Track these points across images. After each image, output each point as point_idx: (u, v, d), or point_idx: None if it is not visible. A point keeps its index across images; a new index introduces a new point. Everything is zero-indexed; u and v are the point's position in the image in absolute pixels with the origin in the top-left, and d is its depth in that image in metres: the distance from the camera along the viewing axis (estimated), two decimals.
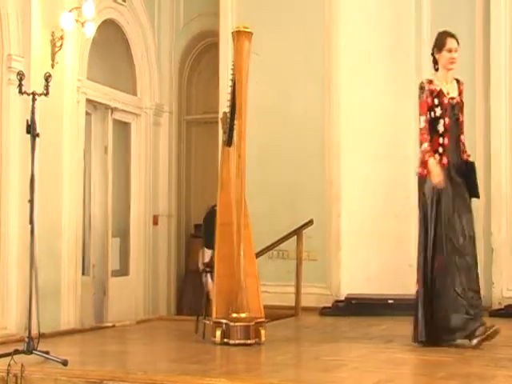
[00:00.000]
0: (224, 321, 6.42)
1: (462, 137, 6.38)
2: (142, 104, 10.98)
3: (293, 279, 8.79)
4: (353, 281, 9.41)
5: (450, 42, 6.37)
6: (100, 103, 10.16)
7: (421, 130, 6.29)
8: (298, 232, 8.82)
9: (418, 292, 6.58)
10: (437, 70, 6.50)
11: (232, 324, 6.37)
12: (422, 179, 6.31)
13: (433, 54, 6.51)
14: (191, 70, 11.79)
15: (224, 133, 7.50)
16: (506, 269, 9.34)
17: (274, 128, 9.68)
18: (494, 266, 9.35)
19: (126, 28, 10.61)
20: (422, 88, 6.33)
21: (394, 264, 9.60)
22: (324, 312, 9.03)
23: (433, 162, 6.15)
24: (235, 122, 6.91)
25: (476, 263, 6.49)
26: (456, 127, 6.34)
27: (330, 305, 9.21)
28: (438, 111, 6.28)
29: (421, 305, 6.43)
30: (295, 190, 9.27)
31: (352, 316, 8.59)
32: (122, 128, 10.89)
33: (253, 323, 6.40)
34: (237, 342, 6.30)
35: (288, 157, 9.17)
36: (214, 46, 10.61)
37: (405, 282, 9.62)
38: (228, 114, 7.18)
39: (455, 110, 6.35)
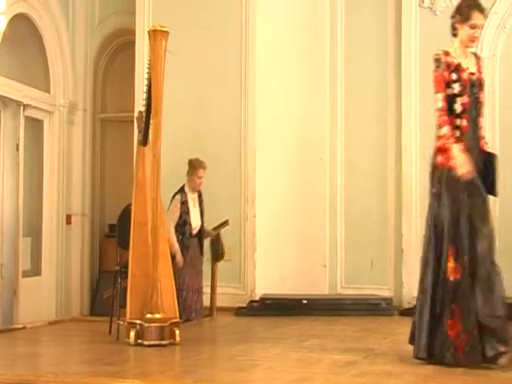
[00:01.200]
0: (138, 321, 6.41)
1: (480, 120, 5.48)
2: (55, 101, 10.82)
3: (208, 279, 8.82)
4: (268, 281, 9.46)
5: (477, 18, 5.44)
6: (11, 99, 9.98)
7: (438, 110, 5.41)
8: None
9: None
10: (454, 35, 5.59)
11: (146, 325, 6.37)
12: (439, 170, 5.41)
13: (453, 18, 5.59)
14: (106, 67, 11.67)
15: (139, 132, 7.48)
16: (415, 269, 9.51)
17: (190, 128, 9.67)
18: (403, 267, 9.55)
19: (39, 23, 10.42)
20: (437, 60, 5.46)
21: (308, 264, 9.71)
22: (239, 312, 9.07)
23: (457, 149, 5.23)
24: (151, 121, 6.90)
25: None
26: (475, 108, 5.42)
27: (245, 305, 9.26)
28: (457, 87, 5.36)
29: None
30: (211, 190, 9.27)
31: (267, 316, 8.66)
32: (35, 125, 10.71)
33: (167, 324, 6.41)
34: (151, 342, 6.31)
35: (204, 157, 9.18)
36: (130, 44, 10.53)
37: (318, 282, 9.79)
38: (144, 113, 7.17)
39: (475, 87, 5.42)
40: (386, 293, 9.50)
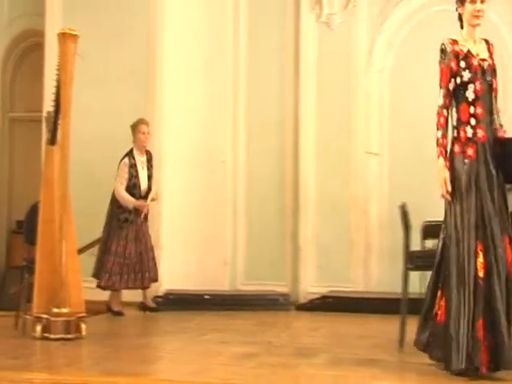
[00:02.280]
0: (45, 316, 6.27)
1: (494, 106, 5.00)
2: None
3: None
4: (172, 277, 9.39)
5: None
6: None
7: (438, 107, 5.08)
8: None
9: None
10: (462, 27, 5.20)
11: (53, 319, 6.23)
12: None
13: (456, 9, 5.17)
14: (15, 67, 11.40)
15: (48, 131, 7.34)
16: (310, 266, 9.65)
17: (99, 129, 9.52)
18: (300, 265, 9.65)
19: None
20: (443, 50, 5.08)
21: (210, 262, 9.70)
22: (144, 307, 9.00)
23: (441, 164, 4.99)
24: (59, 121, 6.79)
25: None
26: (488, 95, 4.96)
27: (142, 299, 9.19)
28: (467, 75, 4.93)
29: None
30: None
31: (170, 311, 8.61)
32: None
33: (73, 318, 6.27)
34: (57, 336, 6.16)
35: (112, 157, 9.06)
36: (39, 46, 10.30)
37: (220, 279, 9.80)
38: (52, 114, 7.04)
39: (487, 74, 4.95)
40: (283, 289, 9.55)
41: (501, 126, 5.03)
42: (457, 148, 4.96)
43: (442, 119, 5.02)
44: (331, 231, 9.62)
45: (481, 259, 4.70)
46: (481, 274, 4.67)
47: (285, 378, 4.61)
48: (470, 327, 4.60)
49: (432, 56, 9.60)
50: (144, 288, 8.43)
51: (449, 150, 5.04)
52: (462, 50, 5.01)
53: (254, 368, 4.92)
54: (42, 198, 6.98)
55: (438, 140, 5.01)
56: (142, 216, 8.26)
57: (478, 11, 5.00)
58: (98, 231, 8.55)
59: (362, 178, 9.70)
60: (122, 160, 8.34)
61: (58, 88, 6.73)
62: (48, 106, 7.42)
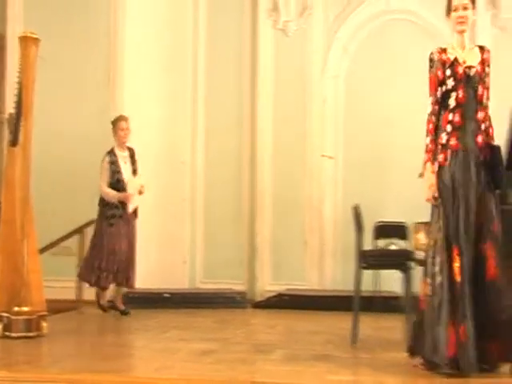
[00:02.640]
0: (6, 314, 6.18)
1: (479, 114, 4.85)
2: None
3: (75, 274, 8.62)
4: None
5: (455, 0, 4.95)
6: None
7: (428, 115, 4.97)
8: (80, 230, 8.70)
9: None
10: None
11: (14, 317, 6.16)
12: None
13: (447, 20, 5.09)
14: None
15: (10, 133, 7.25)
16: (266, 266, 9.68)
17: (59, 131, 9.44)
18: (257, 264, 9.67)
19: None
20: (431, 60, 5.03)
21: (170, 261, 9.68)
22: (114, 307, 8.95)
23: (428, 170, 4.89)
24: (21, 123, 6.71)
25: None
26: (473, 102, 4.84)
27: (110, 298, 9.11)
28: (451, 83, 4.87)
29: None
30: (77, 190, 9.14)
31: (132, 309, 8.55)
32: None
33: (34, 316, 6.20)
34: (18, 334, 6.08)
35: (70, 160, 9.01)
36: (1, 48, 10.20)
37: (179, 277, 9.78)
38: (14, 115, 6.95)
39: (473, 81, 4.84)
40: (240, 287, 9.58)
41: (483, 131, 4.88)
42: (436, 156, 4.89)
43: (430, 125, 4.94)
44: (287, 231, 9.66)
45: (457, 264, 4.66)
46: (458, 278, 4.64)
47: (242, 373, 4.60)
48: (447, 330, 4.59)
49: (385, 62, 9.83)
50: (127, 287, 8.28)
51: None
52: (448, 59, 4.94)
53: (213, 364, 4.91)
54: (4, 199, 6.87)
55: (426, 146, 4.93)
56: (130, 209, 8.07)
57: (461, 17, 4.92)
58: (58, 231, 8.49)
59: (316, 180, 9.75)
60: (103, 158, 8.21)
61: (20, 90, 6.64)
62: (10, 108, 7.33)
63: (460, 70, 4.87)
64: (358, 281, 6.00)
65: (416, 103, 9.59)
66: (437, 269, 4.72)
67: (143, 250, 9.40)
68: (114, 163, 8.17)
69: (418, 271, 8.14)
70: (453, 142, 4.83)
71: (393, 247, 7.48)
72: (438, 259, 4.73)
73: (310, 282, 9.57)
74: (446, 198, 4.78)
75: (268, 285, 9.57)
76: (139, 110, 9.58)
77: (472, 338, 4.54)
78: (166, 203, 9.79)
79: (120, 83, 9.55)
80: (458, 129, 4.83)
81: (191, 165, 10.04)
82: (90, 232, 8.64)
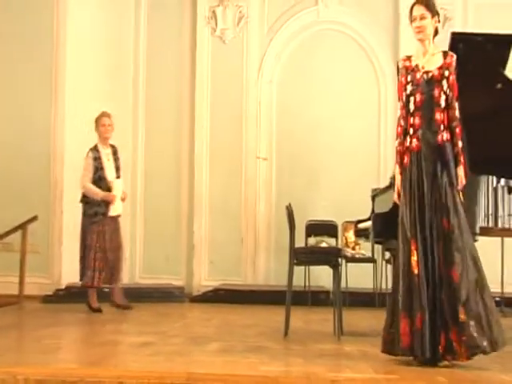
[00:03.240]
0: None
1: (437, 115, 4.85)
2: None
3: (17, 270, 8.50)
4: (74, 271, 9.23)
5: (414, 10, 5.00)
6: None
7: (397, 119, 5.01)
8: (22, 226, 8.55)
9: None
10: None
11: None
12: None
13: None
14: None
15: None
16: (203, 262, 9.68)
17: (8, 131, 9.36)
18: (194, 260, 9.67)
19: None
20: (397, 67, 5.06)
21: None
22: (46, 299, 8.81)
23: (396, 171, 4.97)
24: None
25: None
26: (431, 105, 4.86)
27: (51, 293, 9.01)
28: (409, 88, 4.91)
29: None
30: (22, 187, 9.05)
31: (72, 303, 8.44)
32: None
33: None
34: None
35: (17, 157, 8.89)
36: None
37: None
38: None
39: (430, 85, 4.86)
40: (178, 282, 9.58)
41: (442, 131, 4.86)
42: (403, 157, 4.94)
43: (399, 129, 4.98)
44: (223, 230, 9.67)
45: (415, 258, 4.71)
46: (415, 271, 4.70)
47: (179, 364, 4.58)
48: (404, 320, 4.65)
49: (316, 69, 9.92)
50: (115, 282, 7.98)
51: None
52: (410, 66, 4.97)
53: (151, 356, 4.87)
54: None
55: (396, 148, 4.98)
56: (112, 212, 7.81)
57: (418, 27, 4.95)
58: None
59: (252, 180, 9.78)
60: (87, 154, 7.91)
61: None
62: None
63: (418, 75, 4.91)
64: (290, 276, 6.03)
65: (343, 109, 9.81)
66: (397, 262, 4.81)
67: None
68: (96, 159, 7.87)
69: (347, 267, 8.31)
70: (413, 143, 4.88)
71: (323, 245, 7.53)
72: (399, 254, 4.81)
73: (245, 277, 9.61)
74: (406, 197, 4.84)
75: (205, 280, 9.58)
76: (81, 113, 9.51)
77: (427, 327, 4.61)
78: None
79: (61, 87, 9.48)
80: (417, 131, 4.87)
81: (132, 165, 9.97)
82: (31, 228, 8.56)
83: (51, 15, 9.45)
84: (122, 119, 9.90)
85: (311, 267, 8.21)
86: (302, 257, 6.21)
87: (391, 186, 5.83)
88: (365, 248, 8.33)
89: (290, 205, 6.19)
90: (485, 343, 4.59)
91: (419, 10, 4.97)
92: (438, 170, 4.80)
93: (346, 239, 8.60)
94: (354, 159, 9.71)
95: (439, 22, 5.05)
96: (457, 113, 4.88)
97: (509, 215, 5.73)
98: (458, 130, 4.86)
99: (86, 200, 7.83)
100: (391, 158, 9.34)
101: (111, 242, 7.80)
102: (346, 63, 9.95)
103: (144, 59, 10.13)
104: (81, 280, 7.84)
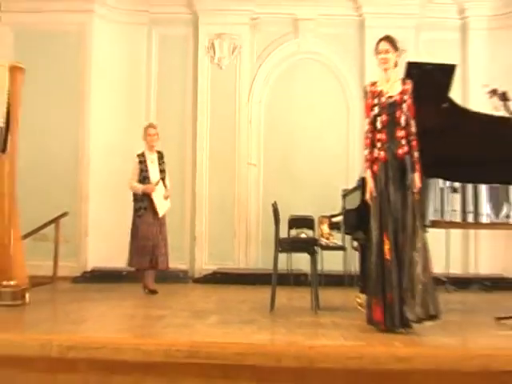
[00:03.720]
0: None
1: (398, 133, 4.96)
2: None
3: (51, 256, 8.49)
4: (99, 257, 9.31)
5: (380, 45, 5.12)
6: None
7: (365, 133, 5.09)
8: (55, 221, 8.55)
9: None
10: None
11: (2, 290, 6.06)
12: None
13: None
14: None
15: None
16: (205, 250, 9.67)
17: (45, 143, 9.42)
18: (196, 249, 9.66)
19: None
20: (365, 92, 5.17)
21: (126, 244, 9.55)
22: (75, 280, 8.86)
23: (368, 176, 5.04)
24: (9, 135, 6.59)
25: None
26: (393, 124, 4.97)
27: (79, 275, 9.06)
28: (377, 110, 5.00)
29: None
30: (56, 188, 9.13)
31: (97, 283, 8.46)
32: None
33: (19, 289, 6.10)
34: (6, 303, 5.98)
35: (52, 163, 8.94)
36: None
37: None
38: (3, 129, 6.79)
39: (392, 107, 4.98)
40: (183, 266, 9.55)
41: (401, 146, 4.93)
42: (372, 165, 5.04)
43: (367, 141, 5.06)
44: (220, 224, 9.67)
45: (387, 246, 4.82)
46: (388, 257, 4.80)
47: (185, 334, 4.61)
48: (382, 298, 4.78)
49: (297, 92, 9.95)
50: (154, 269, 7.53)
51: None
52: (376, 91, 5.07)
53: (164, 327, 4.89)
54: None
55: (365, 157, 5.07)
56: (160, 213, 7.47)
57: (383, 59, 5.09)
58: (36, 223, 8.35)
59: (244, 182, 9.79)
60: (134, 159, 7.71)
61: (8, 109, 6.52)
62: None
63: (383, 99, 5.01)
64: (275, 261, 6.05)
65: (318, 123, 9.86)
66: (373, 250, 4.89)
67: (107, 237, 9.36)
68: (142, 163, 7.63)
69: (322, 254, 8.35)
70: (381, 155, 4.97)
71: (303, 235, 7.52)
72: (373, 243, 4.89)
73: (238, 262, 9.61)
74: (377, 198, 4.94)
75: (205, 265, 9.56)
76: (103, 127, 9.57)
77: (397, 303, 4.73)
78: (127, 203, 9.71)
79: (87, 109, 9.57)
80: (384, 145, 4.97)
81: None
82: (62, 222, 8.57)
83: (78, 52, 9.54)
84: (135, 135, 9.90)
85: (293, 254, 8.22)
86: (285, 245, 6.23)
87: (358, 186, 5.89)
88: (337, 238, 8.34)
89: (275, 203, 6.22)
90: (429, 312, 4.73)
91: (385, 45, 5.09)
92: (400, 177, 4.91)
93: (321, 231, 8.57)
94: (327, 165, 9.74)
95: (399, 56, 5.14)
96: (413, 129, 4.96)
97: (452, 210, 5.78)
98: (414, 143, 4.94)
99: (134, 197, 7.58)
100: (358, 164, 9.45)
101: (154, 230, 7.48)
102: (320, 86, 9.98)
103: (155, 83, 10.08)
104: (129, 265, 7.56)
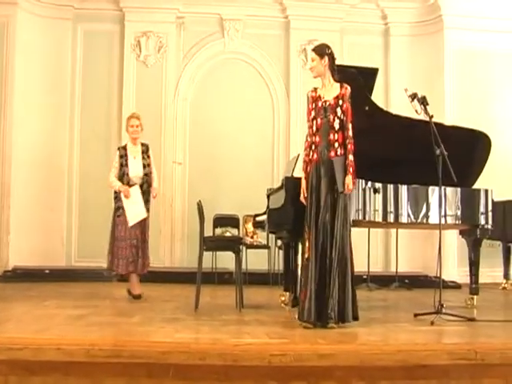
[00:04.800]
0: None
1: (331, 136, 5.06)
2: None
3: None
4: (20, 256, 9.06)
5: (309, 56, 5.31)
6: None
7: (306, 136, 5.21)
8: None
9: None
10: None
11: None
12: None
13: None
14: None
15: None
16: (167, 246, 9.57)
17: None
18: (160, 244, 9.52)
19: None
20: (307, 97, 5.22)
21: (51, 243, 9.43)
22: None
23: (302, 178, 5.15)
24: None
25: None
26: (327, 127, 5.07)
27: (0, 274, 8.79)
28: (313, 113, 5.13)
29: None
30: None
31: (18, 282, 8.22)
32: None
33: None
34: None
35: None
36: None
37: (58, 257, 9.53)
38: None
39: (327, 111, 5.08)
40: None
41: (334, 149, 5.04)
42: (307, 166, 5.15)
43: (306, 143, 5.19)
44: None
45: (307, 244, 4.94)
46: (306, 255, 4.93)
47: (108, 333, 4.54)
48: (309, 294, 4.88)
49: (222, 90, 9.98)
50: (135, 273, 6.91)
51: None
52: (315, 95, 5.17)
53: (84, 326, 4.81)
54: None
55: (303, 159, 5.18)
56: (130, 222, 6.78)
57: (309, 68, 5.24)
58: None
59: (169, 181, 9.74)
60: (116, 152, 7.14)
61: None
62: None
63: (319, 103, 5.14)
64: (200, 260, 6.04)
65: (244, 123, 9.91)
66: (300, 248, 5.07)
67: (29, 235, 9.15)
68: (122, 156, 6.99)
69: (247, 252, 8.38)
70: (314, 156, 5.10)
71: (227, 234, 7.55)
72: (303, 242, 5.03)
73: (163, 261, 9.54)
74: (308, 197, 5.06)
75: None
76: (26, 123, 9.34)
77: (310, 297, 4.86)
78: (48, 198, 9.54)
79: (10, 102, 9.28)
80: (317, 147, 5.09)
81: (68, 168, 9.79)
82: None
83: (1, 45, 9.26)
84: (60, 129, 9.74)
85: (217, 252, 8.23)
86: (210, 244, 6.22)
87: (282, 186, 5.95)
88: (261, 237, 8.42)
89: (200, 201, 6.20)
90: (348, 311, 4.90)
91: (311, 54, 5.24)
92: (330, 178, 5.01)
93: (246, 230, 8.66)
94: (253, 164, 9.81)
95: (331, 61, 5.18)
96: (350, 133, 5.09)
97: (374, 210, 5.91)
98: (349, 146, 5.07)
99: (114, 195, 7.01)
100: (282, 163, 9.55)
101: (134, 233, 6.84)
102: (246, 86, 10.04)
103: (80, 80, 9.91)
104: (108, 268, 7.02)
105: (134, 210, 6.82)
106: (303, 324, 4.91)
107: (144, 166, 7.01)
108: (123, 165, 6.96)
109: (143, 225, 6.92)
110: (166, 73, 9.88)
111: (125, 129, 7.24)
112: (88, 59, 9.91)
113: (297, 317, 5.00)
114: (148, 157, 7.09)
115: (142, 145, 7.14)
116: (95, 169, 9.65)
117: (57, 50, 9.78)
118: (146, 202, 6.96)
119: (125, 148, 7.07)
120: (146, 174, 7.00)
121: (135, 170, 6.97)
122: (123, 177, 6.92)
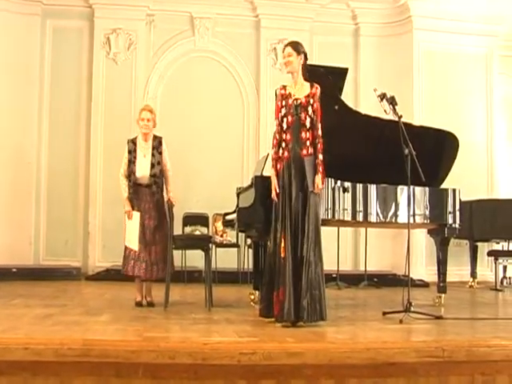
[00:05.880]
0: None
1: (302, 134, 5.07)
2: None
3: None
4: None
5: (284, 50, 5.20)
6: None
7: (273, 133, 5.18)
8: None
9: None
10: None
11: None
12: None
13: None
14: None
15: None
16: (97, 246, 9.51)
17: None
18: (89, 245, 9.47)
19: None
20: (276, 94, 5.21)
21: (18, 242, 9.32)
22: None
23: (272, 174, 5.10)
24: None
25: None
26: (298, 125, 5.07)
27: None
28: (283, 111, 5.11)
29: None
30: None
31: None
32: None
33: None
34: None
35: None
36: None
37: (26, 255, 9.42)
38: None
39: (298, 109, 5.08)
40: (76, 263, 9.36)
41: (305, 147, 5.06)
42: (277, 164, 5.13)
43: (274, 141, 5.16)
44: (113, 219, 9.46)
45: (283, 244, 4.94)
46: (283, 254, 4.93)
47: (76, 332, 4.50)
48: (287, 294, 4.89)
49: (192, 88, 9.95)
50: (147, 278, 6.26)
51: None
52: (285, 93, 5.16)
53: (52, 325, 4.76)
54: None
55: (272, 156, 5.15)
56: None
57: (285, 63, 5.22)
58: None
59: None
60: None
61: None
62: None
63: (290, 101, 5.12)
64: (170, 258, 6.02)
65: (214, 121, 9.90)
66: (271, 247, 5.05)
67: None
68: (131, 152, 6.26)
69: (216, 251, 8.38)
70: (285, 154, 5.09)
71: (197, 233, 7.55)
72: (271, 240, 5.06)
73: None
74: (279, 196, 5.04)
75: (98, 262, 9.39)
76: None
77: (289, 297, 4.87)
78: (15, 196, 9.42)
79: None
80: (288, 145, 5.08)
81: (36, 165, 9.68)
82: None
83: None
84: (28, 125, 9.62)
85: (187, 251, 8.21)
86: (179, 242, 6.21)
87: (252, 185, 5.95)
88: (231, 235, 8.42)
89: (169, 199, 6.18)
90: (317, 311, 4.94)
91: (287, 49, 5.20)
92: (302, 177, 5.03)
93: (215, 228, 8.65)
94: (222, 163, 9.81)
95: (305, 60, 5.21)
96: (319, 132, 5.13)
97: (343, 209, 5.95)
98: (319, 145, 5.12)
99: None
100: (252, 162, 9.55)
101: (147, 235, 6.20)
102: (216, 84, 10.03)
103: (48, 76, 9.82)
104: (122, 271, 6.30)
105: (129, 235, 6.30)
106: (283, 324, 4.91)
107: (152, 166, 6.24)
108: (131, 162, 6.23)
109: (159, 225, 6.23)
110: (135, 70, 9.84)
111: (135, 121, 6.50)
112: (57, 56, 9.82)
113: (274, 318, 4.99)
114: (160, 153, 6.30)
115: (155, 138, 6.35)
116: (64, 166, 9.58)
117: (25, 46, 9.67)
118: (157, 204, 6.25)
119: (134, 143, 6.29)
120: (153, 175, 6.25)
121: (143, 170, 6.23)
122: (130, 175, 6.22)
